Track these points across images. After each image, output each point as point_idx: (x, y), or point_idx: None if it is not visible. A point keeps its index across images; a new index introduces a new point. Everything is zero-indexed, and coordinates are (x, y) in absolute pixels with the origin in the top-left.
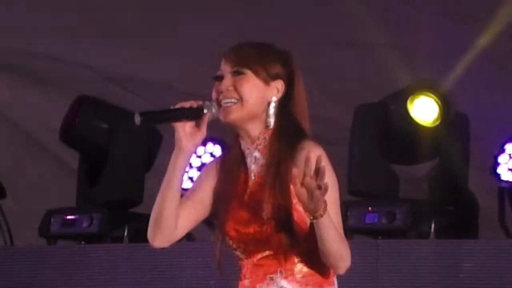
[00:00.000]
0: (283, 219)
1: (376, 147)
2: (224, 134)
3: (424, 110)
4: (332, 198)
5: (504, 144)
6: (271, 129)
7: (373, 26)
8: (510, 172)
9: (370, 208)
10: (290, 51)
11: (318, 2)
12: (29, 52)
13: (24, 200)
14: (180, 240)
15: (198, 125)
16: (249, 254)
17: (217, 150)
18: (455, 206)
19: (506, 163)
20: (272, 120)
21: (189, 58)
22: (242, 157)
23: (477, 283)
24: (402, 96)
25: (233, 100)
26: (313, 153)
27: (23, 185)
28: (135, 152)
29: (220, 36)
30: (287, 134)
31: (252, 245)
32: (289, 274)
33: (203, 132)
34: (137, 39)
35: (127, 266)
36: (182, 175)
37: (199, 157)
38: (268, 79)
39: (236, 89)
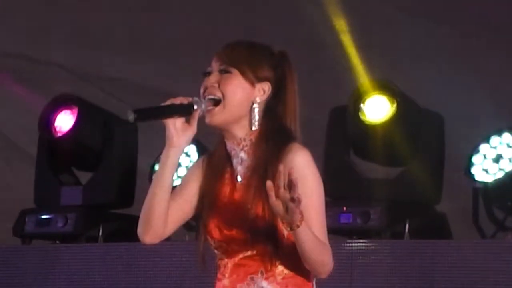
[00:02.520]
0: (268, 221)
1: (351, 148)
2: (201, 133)
3: (377, 109)
4: (315, 204)
5: (478, 145)
6: (256, 130)
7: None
8: (484, 172)
9: (345, 208)
10: (286, 53)
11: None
12: (2, 53)
13: None
14: None
15: (188, 122)
16: (230, 253)
17: (192, 150)
18: (429, 206)
19: (481, 163)
20: (256, 122)
21: (164, 58)
22: (228, 158)
23: (451, 283)
24: (352, 97)
25: (215, 97)
26: (287, 167)
27: None
28: (128, 155)
29: (195, 36)
30: (273, 137)
31: (235, 245)
32: (270, 275)
33: (194, 128)
34: (114, 40)
35: (102, 266)
36: (173, 172)
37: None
38: (254, 81)
39: (220, 86)
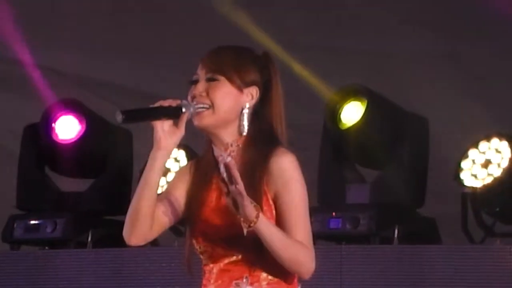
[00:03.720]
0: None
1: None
2: (189, 139)
3: (352, 113)
4: (299, 208)
5: (467, 150)
6: (244, 136)
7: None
8: (473, 178)
9: (334, 214)
10: (269, 54)
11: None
12: None
13: None
14: (144, 245)
15: (176, 124)
16: (215, 259)
17: (181, 155)
18: (417, 211)
19: (470, 168)
20: (245, 127)
21: (159, 62)
22: (215, 163)
23: None
24: (330, 102)
25: (205, 106)
26: (273, 170)
27: None
28: (126, 162)
29: (185, 41)
30: (260, 142)
31: (220, 250)
32: (254, 281)
33: (181, 131)
34: (108, 44)
35: (92, 271)
36: (161, 174)
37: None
38: (242, 86)
39: (208, 95)
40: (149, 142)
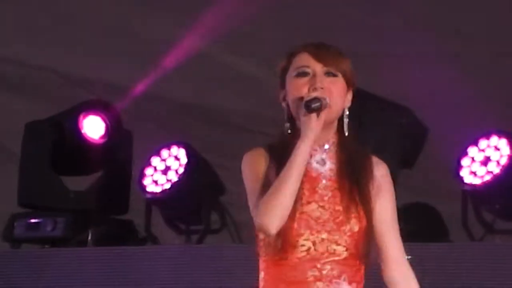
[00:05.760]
0: (365, 226)
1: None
2: (185, 137)
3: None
4: (394, 211)
5: (467, 147)
6: (336, 135)
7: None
8: (472, 175)
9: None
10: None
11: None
12: None
13: None
14: (144, 244)
15: (319, 118)
16: (313, 254)
17: (181, 153)
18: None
19: (469, 166)
20: (346, 128)
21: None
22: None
23: (440, 285)
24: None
25: (326, 100)
26: (377, 175)
27: None
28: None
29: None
30: (355, 145)
31: (323, 245)
32: (353, 280)
33: (321, 123)
34: (103, 43)
35: (92, 270)
36: None
37: (164, 160)
38: (349, 87)
39: (329, 90)
40: (148, 143)
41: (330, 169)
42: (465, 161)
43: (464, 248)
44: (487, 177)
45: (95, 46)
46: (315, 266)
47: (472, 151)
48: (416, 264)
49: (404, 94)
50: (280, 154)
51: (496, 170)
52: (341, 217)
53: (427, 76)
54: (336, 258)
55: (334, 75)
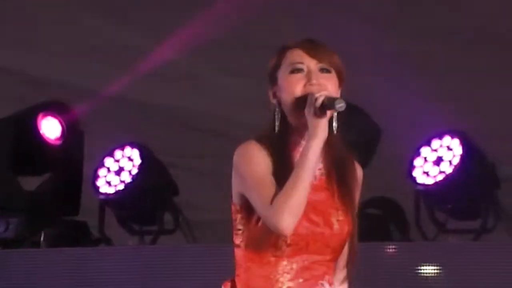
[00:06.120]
0: (351, 229)
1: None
2: (139, 138)
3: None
4: None
5: (419, 147)
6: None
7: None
8: (425, 175)
9: None
10: None
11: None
12: None
13: None
14: (98, 245)
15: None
16: (299, 253)
17: (135, 154)
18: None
19: (422, 166)
20: (336, 126)
21: (107, 61)
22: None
23: (391, 283)
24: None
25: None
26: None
27: None
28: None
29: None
30: (341, 145)
31: (313, 246)
32: (331, 283)
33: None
34: (55, 43)
35: (46, 271)
36: None
37: (117, 161)
38: (340, 83)
39: (325, 86)
40: (101, 143)
41: (319, 169)
42: (417, 161)
43: (417, 247)
44: (440, 177)
45: (50, 47)
46: (304, 266)
47: (424, 151)
48: (371, 263)
49: (357, 95)
50: (273, 151)
51: (449, 170)
52: (332, 219)
53: (381, 75)
54: (322, 258)
55: (328, 71)
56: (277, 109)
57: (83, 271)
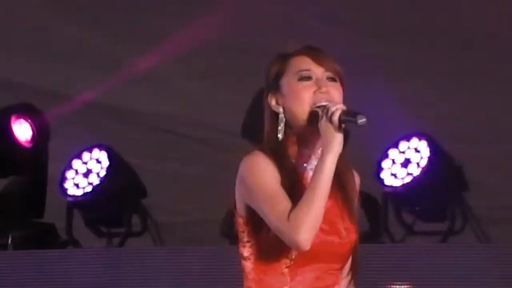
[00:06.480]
0: (356, 238)
1: None
2: (106, 139)
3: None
4: None
5: (387, 149)
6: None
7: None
8: (393, 177)
9: None
10: None
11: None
12: None
13: None
14: (66, 247)
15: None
16: (306, 263)
17: (103, 156)
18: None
19: (389, 168)
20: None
21: (75, 64)
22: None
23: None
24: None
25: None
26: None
27: None
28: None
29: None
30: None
31: (324, 254)
32: None
33: None
34: (23, 44)
35: (12, 274)
36: None
37: (85, 163)
38: (343, 91)
39: (333, 95)
40: (70, 144)
41: None
42: (385, 163)
43: (385, 249)
44: (408, 179)
45: (20, 50)
46: (316, 276)
47: (392, 153)
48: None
49: None
50: (280, 163)
51: (416, 172)
52: (339, 227)
53: (349, 76)
54: (332, 267)
55: (334, 80)
56: (280, 116)
57: (50, 273)
